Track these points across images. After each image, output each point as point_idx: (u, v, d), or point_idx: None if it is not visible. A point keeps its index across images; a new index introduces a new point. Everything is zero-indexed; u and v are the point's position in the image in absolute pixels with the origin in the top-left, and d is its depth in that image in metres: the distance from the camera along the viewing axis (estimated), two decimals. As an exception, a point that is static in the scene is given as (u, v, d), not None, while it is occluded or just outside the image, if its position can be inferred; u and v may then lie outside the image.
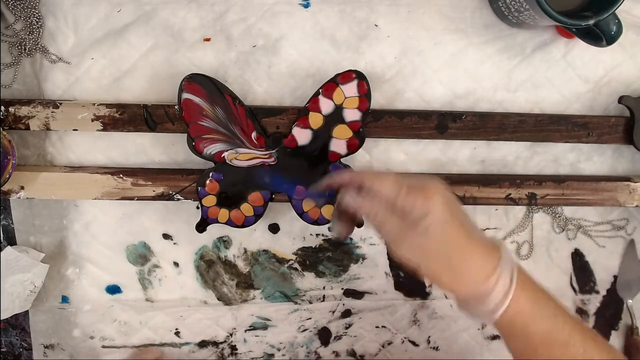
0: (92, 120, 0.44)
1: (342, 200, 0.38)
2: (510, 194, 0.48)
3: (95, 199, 0.45)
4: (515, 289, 0.34)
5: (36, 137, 0.47)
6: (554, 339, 0.34)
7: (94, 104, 0.44)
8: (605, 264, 0.54)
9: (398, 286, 0.53)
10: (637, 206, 0.49)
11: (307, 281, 0.52)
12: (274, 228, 0.51)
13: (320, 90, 0.43)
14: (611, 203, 0.49)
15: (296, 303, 0.53)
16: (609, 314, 0.55)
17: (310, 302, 0.53)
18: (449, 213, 0.34)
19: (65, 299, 0.51)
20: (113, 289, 0.51)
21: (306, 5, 0.45)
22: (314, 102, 0.43)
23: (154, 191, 0.46)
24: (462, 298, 0.35)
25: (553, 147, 0.50)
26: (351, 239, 0.51)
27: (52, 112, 0.43)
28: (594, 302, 0.55)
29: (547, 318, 0.34)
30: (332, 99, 0.43)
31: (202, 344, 0.54)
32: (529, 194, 0.48)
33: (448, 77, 0.47)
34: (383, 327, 0.55)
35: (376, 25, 0.46)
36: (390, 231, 0.35)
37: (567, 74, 0.48)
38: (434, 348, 0.56)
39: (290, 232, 0.51)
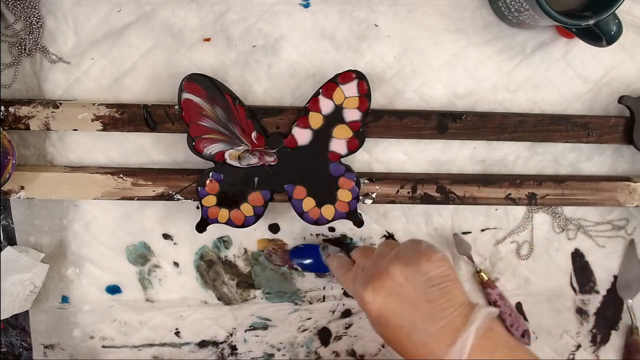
0: (92, 120, 0.44)
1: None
2: (510, 194, 0.48)
3: (95, 199, 0.45)
4: None
5: (36, 137, 0.47)
6: None
7: (94, 104, 0.44)
8: (605, 264, 0.54)
9: (398, 286, 0.53)
10: (637, 206, 0.49)
11: (307, 281, 0.52)
12: (274, 228, 0.51)
13: (320, 90, 0.43)
14: (611, 203, 0.49)
15: (296, 303, 0.53)
16: (609, 314, 0.55)
17: (310, 302, 0.53)
18: (383, 318, 0.35)
19: (65, 299, 0.51)
20: (113, 289, 0.51)
21: (306, 5, 0.45)
22: (314, 102, 0.43)
23: (154, 191, 0.46)
24: None
25: (553, 147, 0.50)
26: (351, 239, 0.51)
27: (52, 112, 0.43)
28: (594, 302, 0.55)
29: None
30: (332, 99, 0.43)
31: (202, 344, 0.54)
32: (529, 194, 0.48)
33: (448, 77, 0.47)
34: (383, 327, 0.55)
35: (376, 25, 0.46)
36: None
37: (567, 74, 0.48)
38: (434, 348, 0.56)
39: (290, 232, 0.51)
